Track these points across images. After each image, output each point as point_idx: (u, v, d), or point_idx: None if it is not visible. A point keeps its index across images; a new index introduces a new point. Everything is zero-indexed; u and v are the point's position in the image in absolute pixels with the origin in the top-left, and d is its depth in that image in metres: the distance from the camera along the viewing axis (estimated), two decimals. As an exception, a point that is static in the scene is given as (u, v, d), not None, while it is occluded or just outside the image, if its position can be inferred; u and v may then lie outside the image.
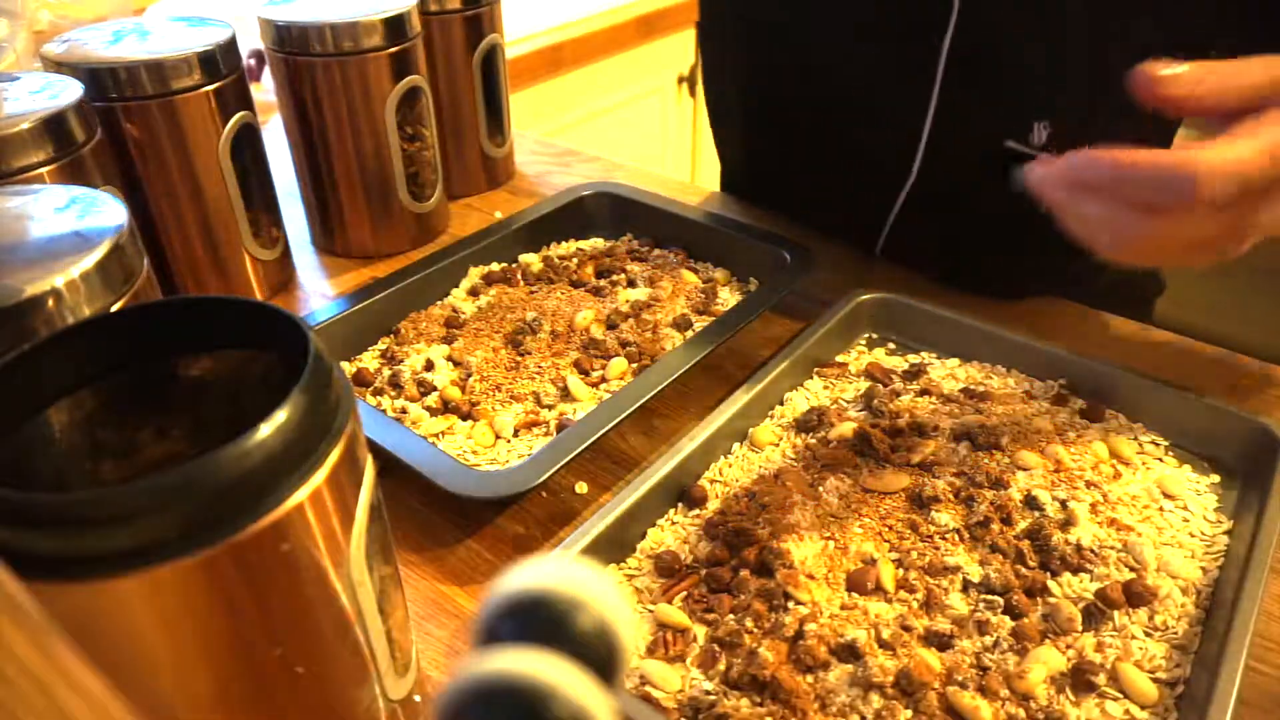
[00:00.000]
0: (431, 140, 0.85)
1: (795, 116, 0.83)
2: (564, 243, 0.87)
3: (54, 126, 0.57)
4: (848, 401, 0.65)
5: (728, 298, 0.77)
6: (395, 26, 0.77)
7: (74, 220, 0.45)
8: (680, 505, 0.57)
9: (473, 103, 0.92)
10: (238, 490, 0.27)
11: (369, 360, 0.72)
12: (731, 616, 0.49)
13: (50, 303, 0.40)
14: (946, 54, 0.67)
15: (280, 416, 0.28)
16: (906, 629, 0.48)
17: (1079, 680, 0.46)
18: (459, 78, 0.90)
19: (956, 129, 0.70)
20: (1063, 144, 0.61)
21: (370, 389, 0.68)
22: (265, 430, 0.27)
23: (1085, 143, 0.54)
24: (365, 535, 0.33)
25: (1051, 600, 0.50)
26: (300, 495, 0.28)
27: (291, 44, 0.77)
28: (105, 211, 0.46)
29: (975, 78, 0.68)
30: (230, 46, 0.72)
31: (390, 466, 0.59)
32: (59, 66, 0.66)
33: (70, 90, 0.60)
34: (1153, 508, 0.56)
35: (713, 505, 0.57)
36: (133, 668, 0.28)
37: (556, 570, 0.22)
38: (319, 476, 0.29)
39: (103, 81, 0.66)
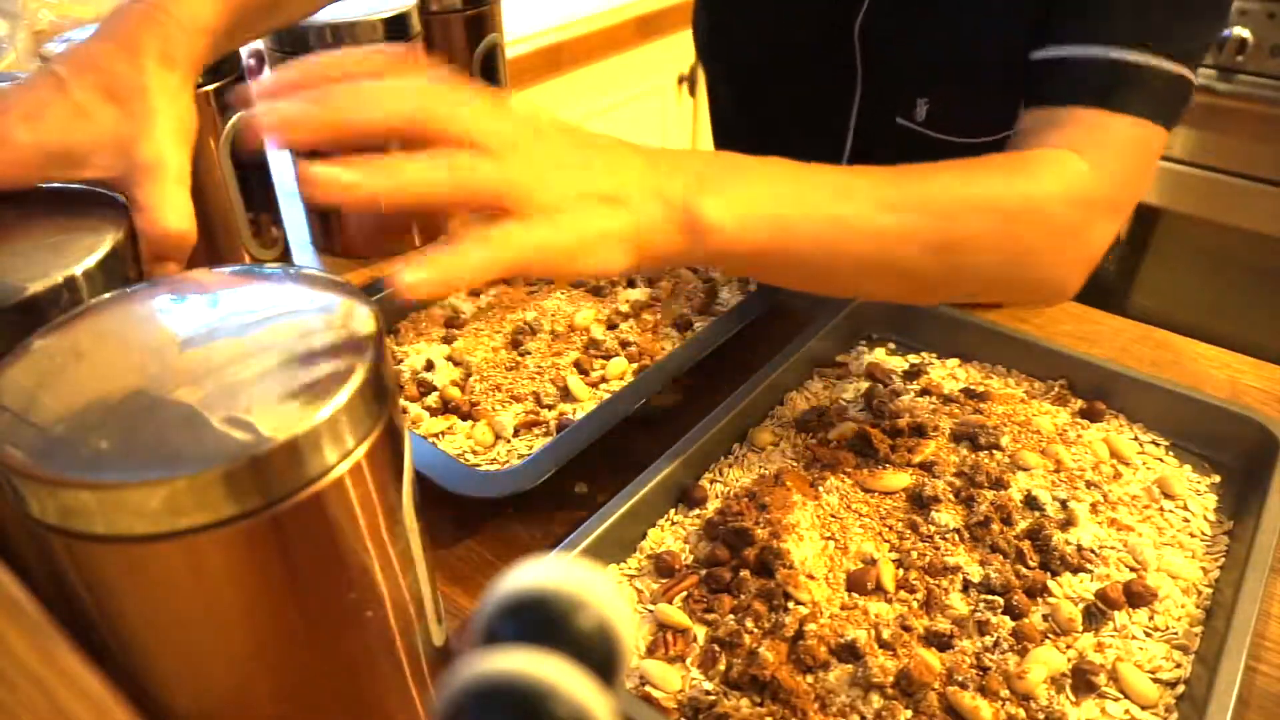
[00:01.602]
0: None
1: (749, 73, 0.87)
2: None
3: None
4: (848, 401, 0.65)
5: (728, 298, 0.77)
6: (395, 26, 0.77)
7: (77, 219, 0.45)
8: (680, 505, 0.57)
9: None
10: (311, 451, 0.30)
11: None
12: (731, 616, 0.49)
13: (65, 297, 0.40)
14: (858, 34, 0.73)
15: (353, 384, 0.30)
16: (906, 629, 0.48)
17: (1079, 680, 0.46)
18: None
19: (875, 107, 0.75)
20: (938, 122, 0.68)
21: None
22: (343, 397, 0.30)
23: (958, 121, 0.60)
24: (413, 485, 0.36)
25: (1052, 600, 0.50)
26: (361, 451, 0.31)
27: (291, 44, 0.77)
28: (107, 210, 0.46)
29: (880, 56, 0.73)
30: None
31: (390, 466, 0.59)
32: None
33: None
34: (1153, 508, 0.56)
35: (713, 505, 0.57)
36: (230, 611, 0.31)
37: (556, 570, 0.22)
38: (378, 433, 0.32)
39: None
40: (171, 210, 0.46)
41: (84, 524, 0.28)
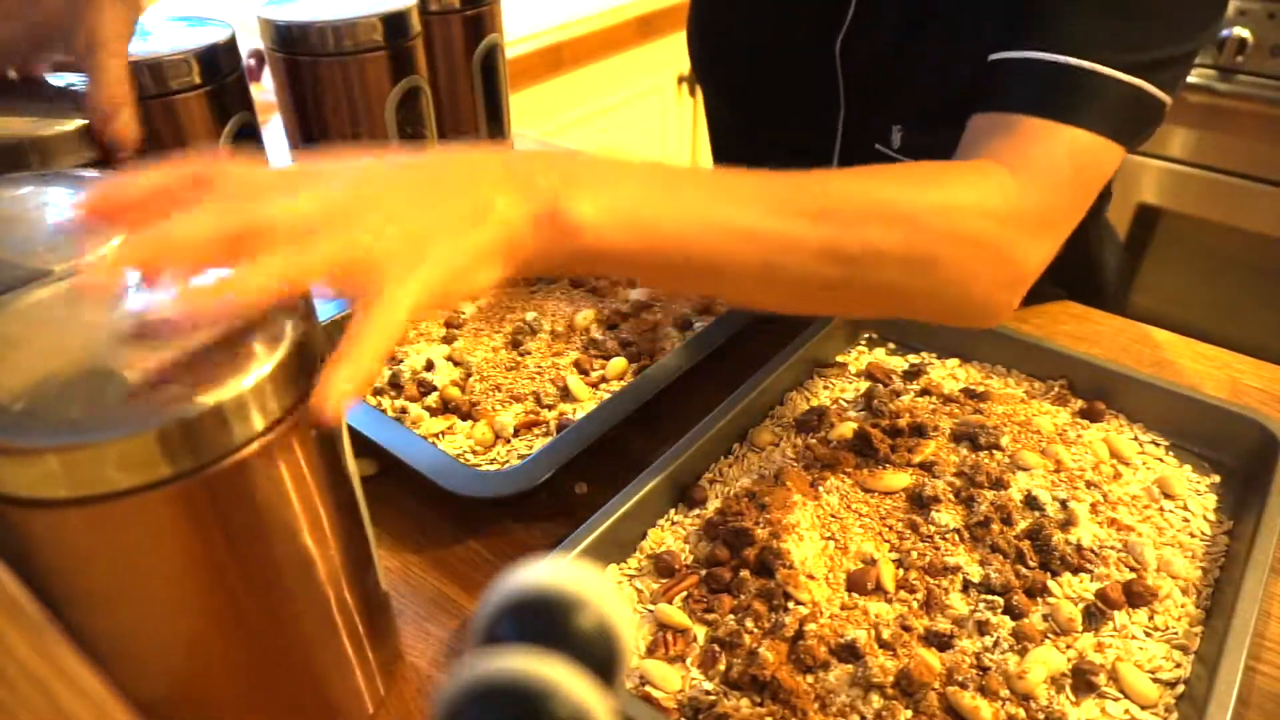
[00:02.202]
0: (432, 140, 0.85)
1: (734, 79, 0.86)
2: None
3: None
4: (848, 401, 0.65)
5: (728, 298, 0.77)
6: (395, 26, 0.77)
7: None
8: (680, 505, 0.57)
9: (472, 103, 0.92)
10: (239, 416, 0.33)
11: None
12: (731, 616, 0.49)
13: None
14: (839, 56, 0.72)
15: (279, 355, 0.34)
16: (906, 629, 0.48)
17: (1079, 680, 0.46)
18: (459, 78, 0.90)
19: (857, 133, 0.74)
20: (912, 150, 0.67)
21: (370, 389, 0.68)
22: (268, 367, 0.34)
23: (930, 151, 0.57)
24: (348, 437, 0.40)
25: (1052, 600, 0.50)
26: (289, 419, 0.35)
27: (291, 44, 0.76)
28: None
29: (859, 81, 0.72)
30: (230, 46, 0.72)
31: (390, 466, 0.59)
32: (57, 66, 0.66)
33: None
34: (1153, 508, 0.56)
35: (713, 505, 0.57)
36: (180, 570, 0.34)
37: (556, 570, 0.22)
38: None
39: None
40: (107, 78, 0.54)
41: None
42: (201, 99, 0.69)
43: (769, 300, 0.51)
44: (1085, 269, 0.85)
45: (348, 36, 0.75)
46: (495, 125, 0.95)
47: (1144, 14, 0.53)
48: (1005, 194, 0.50)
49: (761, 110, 0.84)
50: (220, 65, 0.70)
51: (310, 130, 0.80)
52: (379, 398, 0.67)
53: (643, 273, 0.51)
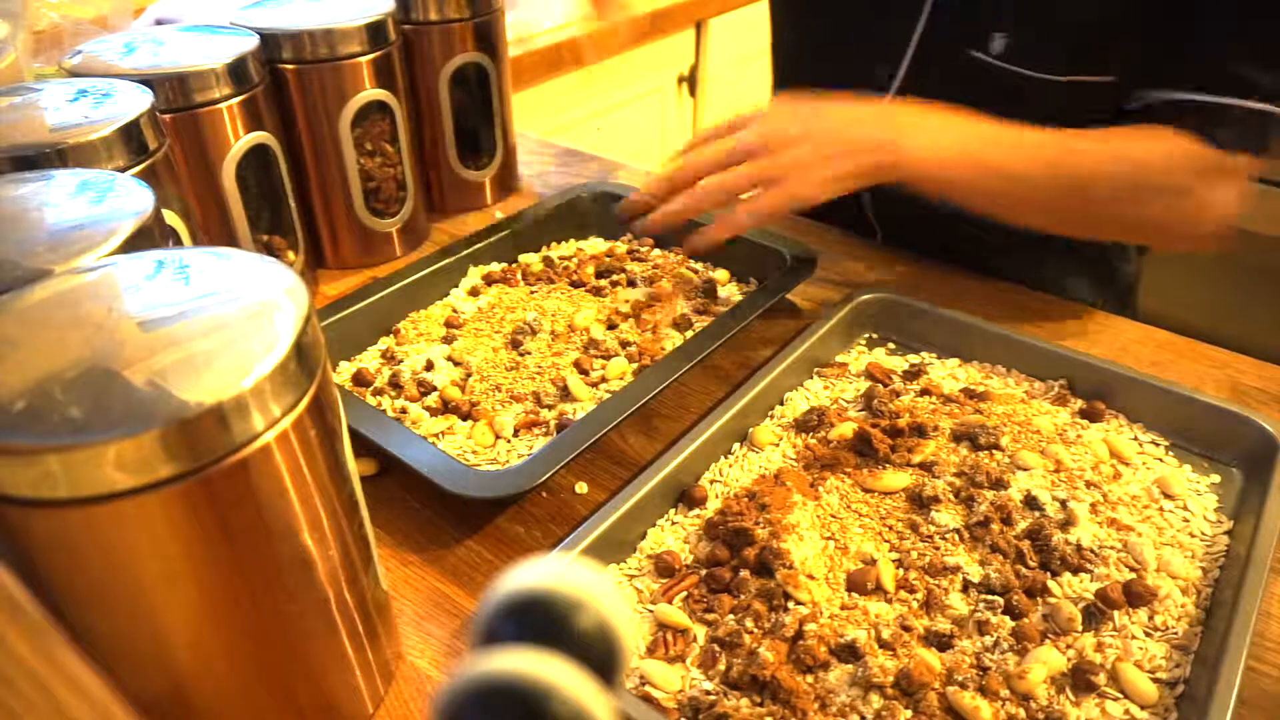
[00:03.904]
0: (397, 157, 0.83)
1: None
2: (564, 243, 0.87)
3: (130, 132, 0.57)
4: (848, 401, 0.65)
5: (727, 297, 0.77)
6: (373, 33, 0.76)
7: (100, 203, 0.46)
8: (680, 505, 0.57)
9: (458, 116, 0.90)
10: (239, 416, 0.34)
11: (369, 360, 0.72)
12: (731, 616, 0.49)
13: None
14: None
15: (279, 353, 0.34)
16: (906, 629, 0.48)
17: (1079, 680, 0.46)
18: (437, 94, 0.87)
19: (935, 42, 0.77)
20: (1015, 56, 0.72)
21: (370, 389, 0.68)
22: (268, 366, 0.34)
23: (1035, 56, 0.72)
24: (348, 435, 0.41)
25: (1051, 600, 0.50)
26: (291, 418, 0.35)
27: (290, 51, 0.75)
28: (130, 196, 0.47)
29: None
30: (257, 55, 0.71)
31: (390, 466, 0.59)
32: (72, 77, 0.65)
33: (139, 99, 0.59)
34: (1153, 508, 0.56)
35: (713, 505, 0.57)
36: (183, 570, 0.34)
37: (556, 570, 0.22)
38: (309, 398, 0.36)
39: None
40: None
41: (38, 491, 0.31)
42: (220, 114, 0.69)
43: (1035, 221, 0.71)
44: (1108, 274, 0.88)
45: (324, 44, 0.75)
46: (488, 138, 0.93)
47: None
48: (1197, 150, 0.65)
49: (837, 16, 0.85)
50: (245, 78, 0.70)
51: (289, 140, 0.78)
52: (379, 398, 0.67)
53: (947, 194, 0.68)
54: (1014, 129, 0.66)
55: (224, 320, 0.35)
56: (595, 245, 0.86)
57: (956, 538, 0.53)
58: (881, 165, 0.65)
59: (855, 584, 0.50)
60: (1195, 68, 0.65)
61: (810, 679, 0.46)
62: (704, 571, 0.52)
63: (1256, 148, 0.65)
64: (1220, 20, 0.64)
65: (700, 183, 0.68)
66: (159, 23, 0.98)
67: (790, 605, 0.49)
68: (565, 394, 0.66)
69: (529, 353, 0.70)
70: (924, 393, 0.65)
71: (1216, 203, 0.67)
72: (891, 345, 0.72)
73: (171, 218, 0.59)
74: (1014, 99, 0.70)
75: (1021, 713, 0.44)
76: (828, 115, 0.68)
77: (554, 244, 0.87)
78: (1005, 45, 0.73)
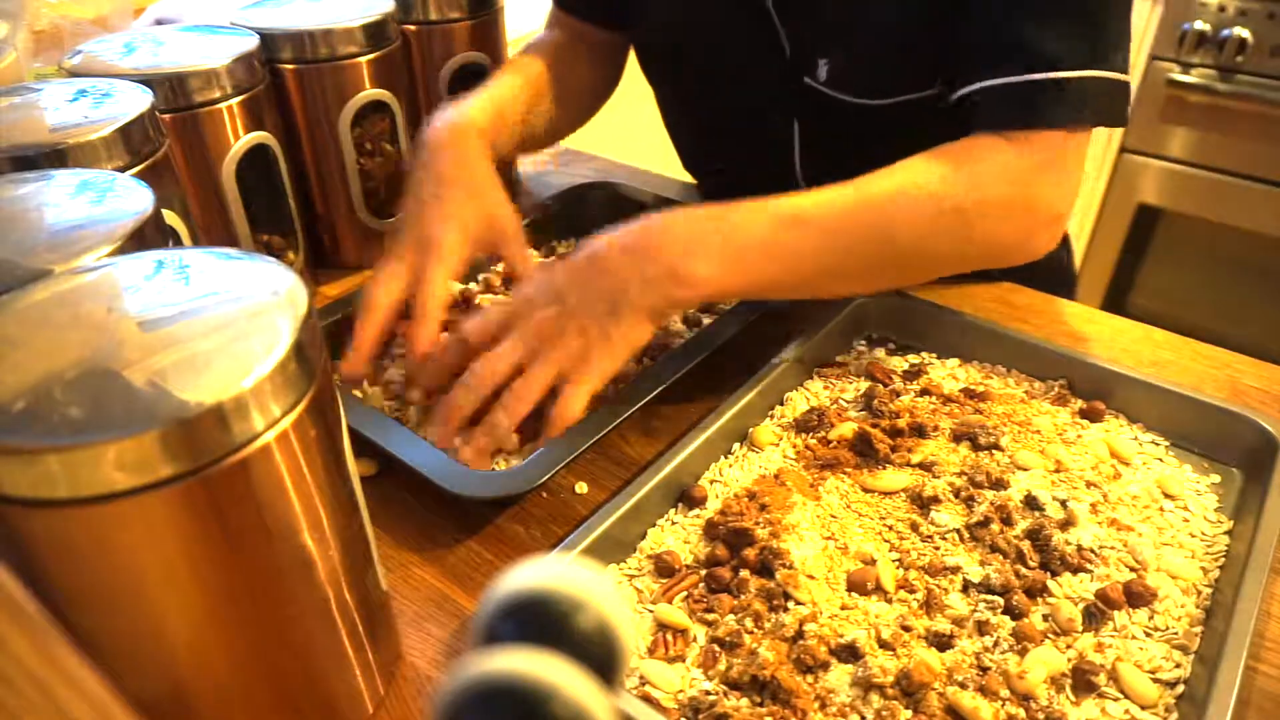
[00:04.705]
0: (397, 157, 0.82)
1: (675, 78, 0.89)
2: (564, 242, 0.87)
3: (132, 132, 0.56)
4: (848, 401, 0.65)
5: (728, 298, 0.77)
6: (373, 33, 0.76)
7: (100, 203, 0.46)
8: (680, 505, 0.57)
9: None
10: (240, 415, 0.34)
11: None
12: (731, 616, 0.49)
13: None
14: (775, 12, 0.74)
15: (280, 351, 0.34)
16: (906, 629, 0.48)
17: (1079, 680, 0.46)
18: (435, 97, 0.87)
19: (792, 70, 0.76)
20: (837, 82, 0.72)
21: (370, 389, 0.68)
22: (269, 365, 0.34)
23: (854, 83, 0.71)
24: (348, 435, 0.41)
25: (1051, 600, 0.50)
26: (293, 416, 0.35)
27: (286, 51, 0.75)
28: (130, 196, 0.47)
29: (791, 19, 0.74)
30: (258, 55, 0.71)
31: (390, 466, 0.59)
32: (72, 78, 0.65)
33: (139, 99, 0.59)
34: (1153, 508, 0.56)
35: (713, 505, 0.57)
36: (204, 561, 0.35)
37: (556, 570, 0.22)
38: (310, 396, 0.36)
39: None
40: (524, 258, 0.71)
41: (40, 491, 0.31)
42: (219, 114, 0.69)
43: (843, 289, 0.67)
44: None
45: (323, 44, 0.75)
46: None
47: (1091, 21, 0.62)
48: (1010, 159, 0.62)
49: (713, 91, 0.84)
50: (241, 79, 0.69)
51: (289, 140, 0.78)
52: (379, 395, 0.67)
53: (752, 295, 0.65)
54: (794, 200, 0.61)
55: (224, 320, 0.35)
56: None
57: (956, 538, 0.53)
58: (675, 298, 0.58)
59: (855, 584, 0.50)
60: (979, 53, 0.63)
61: (810, 679, 0.46)
62: (704, 571, 0.52)
63: (1069, 118, 0.61)
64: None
65: (475, 377, 0.58)
66: (159, 23, 0.98)
67: (790, 605, 0.49)
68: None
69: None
70: (924, 393, 0.65)
71: (1001, 204, 0.62)
72: (891, 345, 0.72)
73: (171, 218, 0.59)
74: (875, 126, 0.70)
75: (1021, 713, 0.44)
76: (583, 280, 0.59)
77: (554, 244, 0.87)
78: (827, 72, 0.73)
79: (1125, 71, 0.63)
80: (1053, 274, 0.85)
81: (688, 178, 1.01)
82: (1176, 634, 0.48)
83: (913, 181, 0.61)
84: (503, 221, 0.70)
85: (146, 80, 0.62)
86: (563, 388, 0.57)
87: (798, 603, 0.49)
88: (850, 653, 0.46)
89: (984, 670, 0.46)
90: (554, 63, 0.84)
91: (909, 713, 0.44)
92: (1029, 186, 0.62)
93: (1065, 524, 0.54)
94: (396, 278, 0.64)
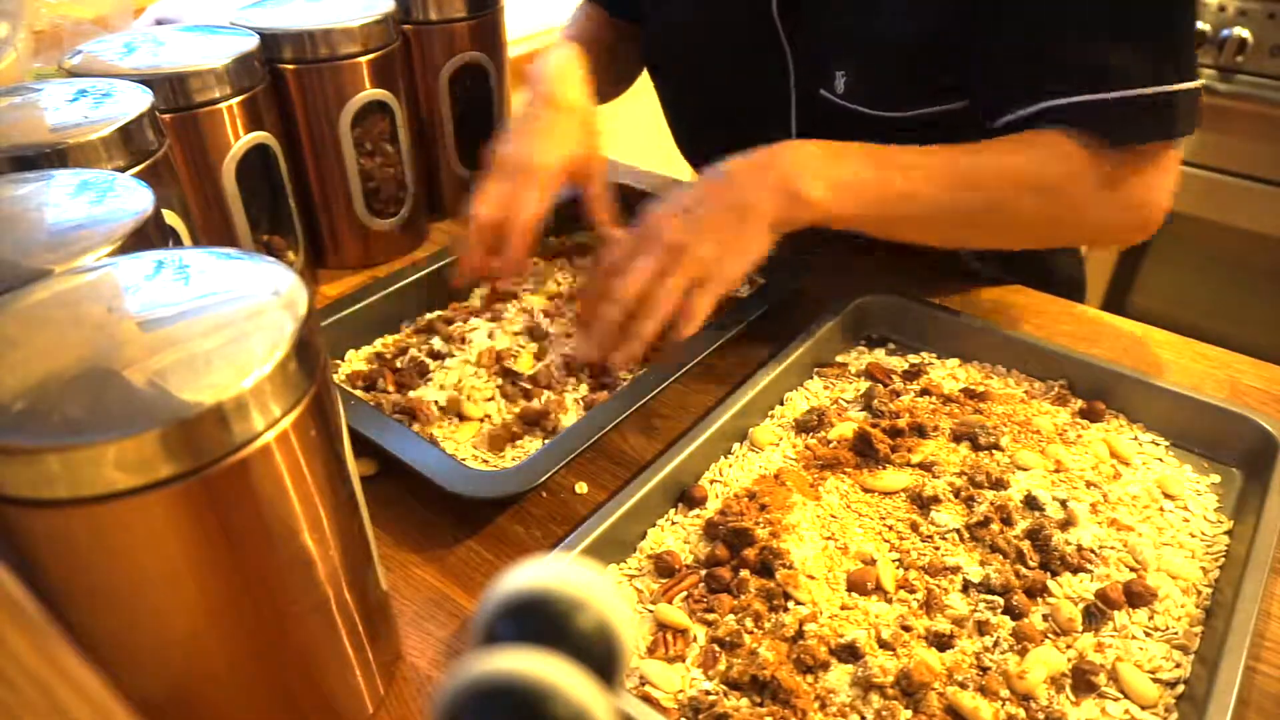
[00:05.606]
0: (397, 157, 0.83)
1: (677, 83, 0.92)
2: (562, 239, 0.87)
3: (130, 133, 0.56)
4: (848, 401, 0.65)
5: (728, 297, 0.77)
6: (373, 33, 0.76)
7: (100, 203, 0.46)
8: (680, 505, 0.57)
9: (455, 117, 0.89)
10: (240, 415, 0.34)
11: (368, 360, 0.71)
12: (732, 616, 0.49)
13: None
14: (778, 12, 0.76)
15: (280, 353, 0.34)
16: (906, 629, 0.48)
17: (1079, 680, 0.46)
18: (437, 93, 0.86)
19: (805, 83, 0.78)
20: (855, 94, 0.74)
21: (370, 388, 0.68)
22: (269, 366, 0.34)
23: (870, 95, 0.72)
24: (348, 435, 0.41)
25: (1051, 600, 0.50)
26: (293, 416, 0.35)
27: (283, 51, 0.75)
28: (130, 196, 0.47)
29: (803, 33, 0.76)
30: (258, 55, 0.70)
31: (390, 466, 0.59)
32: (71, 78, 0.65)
33: (139, 99, 0.59)
34: (1153, 508, 0.56)
35: (713, 505, 0.57)
36: (204, 561, 0.35)
37: (556, 570, 0.22)
38: (310, 396, 0.36)
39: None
40: (603, 201, 0.76)
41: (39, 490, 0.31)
42: (220, 114, 0.68)
43: (942, 238, 0.71)
44: (1040, 266, 0.87)
45: (323, 43, 0.74)
46: (488, 138, 0.92)
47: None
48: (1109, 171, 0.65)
49: (716, 91, 0.86)
50: (245, 78, 0.69)
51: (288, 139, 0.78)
52: (379, 395, 0.67)
53: (859, 227, 0.67)
54: (899, 150, 0.65)
55: (224, 320, 0.35)
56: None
57: (956, 538, 0.53)
58: (794, 216, 0.63)
59: (855, 584, 0.50)
60: (1050, 70, 0.64)
61: (810, 679, 0.46)
62: (704, 571, 0.52)
63: (1164, 132, 0.65)
64: (1044, 19, 0.64)
65: (619, 292, 0.62)
66: (159, 23, 0.98)
67: (790, 605, 0.49)
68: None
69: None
70: (924, 393, 0.65)
71: (1099, 201, 0.65)
72: (891, 345, 0.72)
73: (171, 218, 0.59)
74: (887, 138, 0.70)
75: (1021, 713, 0.44)
76: (711, 194, 0.64)
77: (552, 240, 0.87)
78: (845, 84, 0.74)
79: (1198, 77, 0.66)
80: (1062, 285, 0.87)
81: (688, 177, 1.01)
82: (1176, 634, 0.48)
83: (1027, 169, 0.65)
84: (596, 161, 0.75)
85: (146, 80, 0.62)
86: (691, 292, 0.62)
87: (798, 603, 0.49)
88: (850, 653, 0.46)
89: (984, 670, 0.46)
90: (592, 39, 0.88)
91: (909, 713, 0.44)
92: (1136, 193, 0.67)
93: (1065, 524, 0.54)
94: (495, 197, 0.69)
